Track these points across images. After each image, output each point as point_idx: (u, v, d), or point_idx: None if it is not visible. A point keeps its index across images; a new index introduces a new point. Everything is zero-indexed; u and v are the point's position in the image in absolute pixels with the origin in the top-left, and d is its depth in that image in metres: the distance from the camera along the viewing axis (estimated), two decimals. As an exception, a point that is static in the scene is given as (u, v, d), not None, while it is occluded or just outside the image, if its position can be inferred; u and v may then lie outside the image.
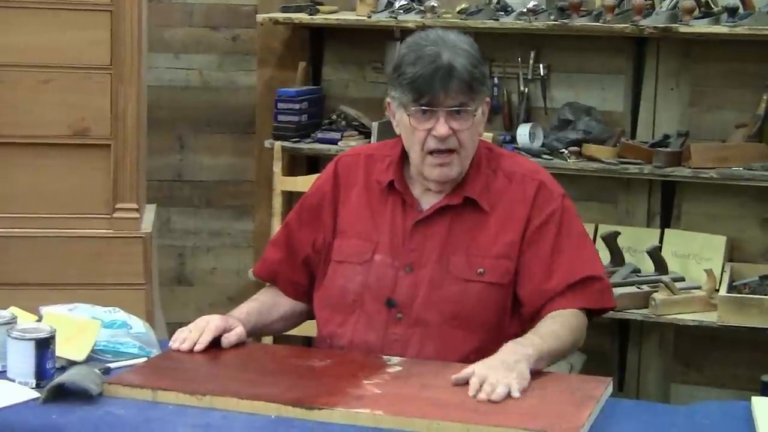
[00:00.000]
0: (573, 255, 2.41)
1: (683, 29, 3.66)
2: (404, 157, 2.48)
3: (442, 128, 2.33)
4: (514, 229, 2.41)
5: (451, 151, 2.37)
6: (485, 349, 2.37)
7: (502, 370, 2.08)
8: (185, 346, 2.30)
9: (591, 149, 3.83)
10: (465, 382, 2.09)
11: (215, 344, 2.34)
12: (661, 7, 3.72)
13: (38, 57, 3.49)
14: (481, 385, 2.06)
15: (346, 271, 2.47)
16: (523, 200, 2.42)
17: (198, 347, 2.30)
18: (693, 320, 3.58)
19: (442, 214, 2.43)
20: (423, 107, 2.34)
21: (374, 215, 2.48)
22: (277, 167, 3.44)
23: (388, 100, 2.45)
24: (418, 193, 2.47)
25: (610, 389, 2.19)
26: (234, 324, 2.38)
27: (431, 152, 2.37)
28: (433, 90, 2.32)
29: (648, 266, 3.80)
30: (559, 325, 2.32)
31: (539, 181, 2.45)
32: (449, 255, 2.41)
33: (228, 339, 2.34)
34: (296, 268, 2.57)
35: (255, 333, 2.54)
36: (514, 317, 2.43)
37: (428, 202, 2.45)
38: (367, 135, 4.07)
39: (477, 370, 2.10)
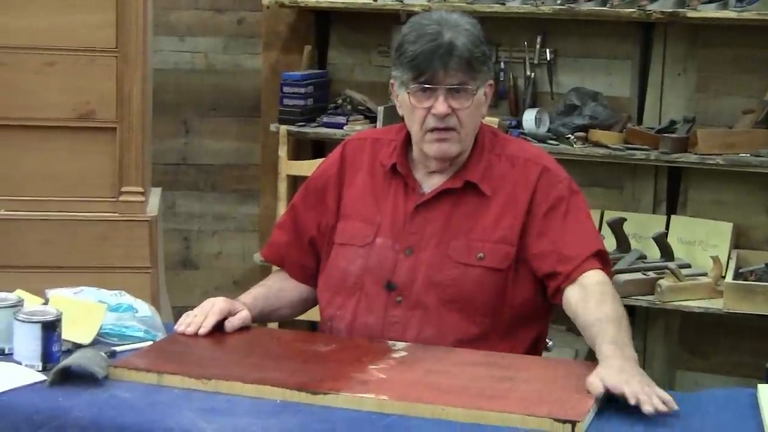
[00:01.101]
0: (585, 230, 2.42)
1: (691, 14, 3.65)
2: (408, 140, 2.49)
3: (441, 106, 2.34)
4: (514, 214, 2.41)
5: (450, 129, 2.37)
6: (483, 333, 2.39)
7: (637, 377, 2.02)
8: (190, 330, 2.31)
9: (597, 135, 3.82)
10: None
11: (221, 328, 2.35)
12: (668, -8, 3.72)
13: (43, 39, 3.49)
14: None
15: (347, 254, 2.48)
16: (525, 185, 2.42)
17: (202, 330, 2.31)
18: (699, 307, 3.58)
19: (443, 197, 2.44)
20: (422, 85, 2.35)
21: (377, 199, 2.49)
22: (283, 151, 3.45)
23: (391, 81, 2.46)
24: (421, 177, 2.47)
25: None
26: (239, 308, 2.39)
27: (430, 130, 2.38)
28: (432, 67, 2.33)
29: (654, 253, 3.80)
30: (617, 306, 2.28)
31: (542, 165, 2.45)
32: (449, 239, 2.41)
33: (231, 323, 2.35)
34: (303, 251, 2.58)
35: (261, 319, 2.54)
36: (525, 303, 2.43)
37: (430, 185, 2.46)
38: (372, 119, 4.07)
39: (615, 382, 1.99)
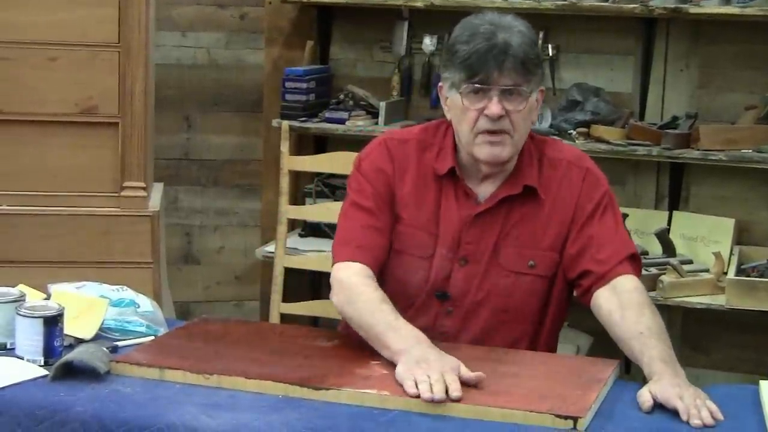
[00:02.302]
0: (619, 232, 2.41)
1: (693, 10, 3.65)
2: (455, 145, 2.42)
3: (495, 107, 2.28)
4: (562, 220, 2.38)
5: (503, 131, 2.31)
6: (523, 338, 2.40)
7: (690, 389, 2.01)
8: (438, 398, 1.95)
9: (599, 130, 3.82)
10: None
11: (223, 324, 2.34)
12: (671, -12, 3.71)
13: (46, 34, 3.48)
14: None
15: (405, 263, 2.42)
16: (571, 189, 2.40)
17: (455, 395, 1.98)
18: (701, 303, 3.58)
19: (500, 205, 2.39)
20: (476, 85, 2.29)
21: (434, 205, 2.41)
22: (285, 147, 3.43)
23: (439, 84, 2.41)
24: (473, 184, 2.41)
25: (617, 372, 2.19)
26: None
27: (482, 132, 2.32)
28: (487, 68, 2.27)
29: (656, 249, 3.80)
30: (655, 317, 2.25)
31: (585, 168, 2.42)
32: (501, 247, 2.38)
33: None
34: (388, 255, 2.43)
35: None
36: (558, 307, 2.44)
37: (485, 192, 2.41)
38: (374, 115, 4.07)
39: (667, 396, 1.98)
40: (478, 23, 2.33)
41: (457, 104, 2.34)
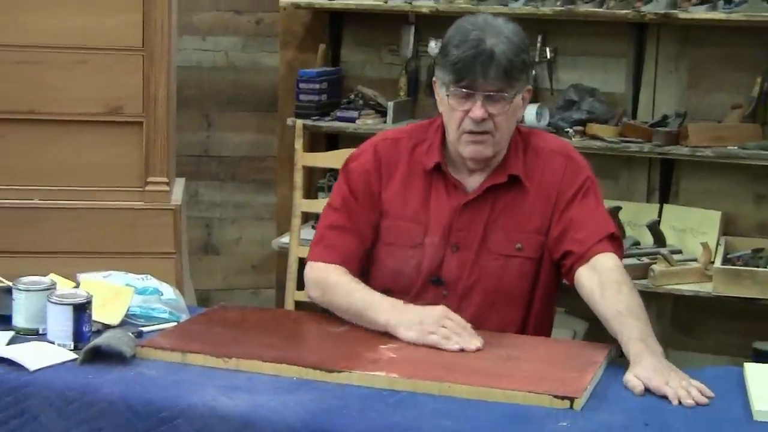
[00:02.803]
0: (599, 213, 2.40)
1: (682, 15, 3.63)
2: (445, 139, 2.44)
3: (478, 111, 2.30)
4: (546, 205, 2.39)
5: (485, 132, 2.34)
6: (514, 319, 2.40)
7: (672, 372, 2.00)
8: (471, 346, 2.15)
9: (594, 128, 3.81)
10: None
11: (241, 310, 2.33)
12: (661, -6, 3.70)
13: (75, 39, 3.48)
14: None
15: (396, 253, 2.43)
16: (553, 175, 2.40)
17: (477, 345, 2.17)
18: (689, 290, 3.57)
19: (487, 193, 2.40)
20: (462, 89, 2.31)
21: (422, 198, 2.43)
22: (299, 144, 3.43)
23: (434, 79, 2.43)
24: (461, 175, 2.43)
25: (611, 355, 2.19)
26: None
27: (467, 132, 2.34)
28: (472, 74, 2.29)
29: (647, 239, 3.79)
30: (633, 294, 2.23)
31: (567, 156, 2.43)
32: (489, 232, 2.39)
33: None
34: (364, 248, 2.46)
35: None
36: (548, 289, 2.43)
37: (473, 183, 2.42)
38: (383, 114, 4.06)
39: (656, 383, 1.98)
40: (469, 28, 2.33)
41: (445, 103, 2.37)
